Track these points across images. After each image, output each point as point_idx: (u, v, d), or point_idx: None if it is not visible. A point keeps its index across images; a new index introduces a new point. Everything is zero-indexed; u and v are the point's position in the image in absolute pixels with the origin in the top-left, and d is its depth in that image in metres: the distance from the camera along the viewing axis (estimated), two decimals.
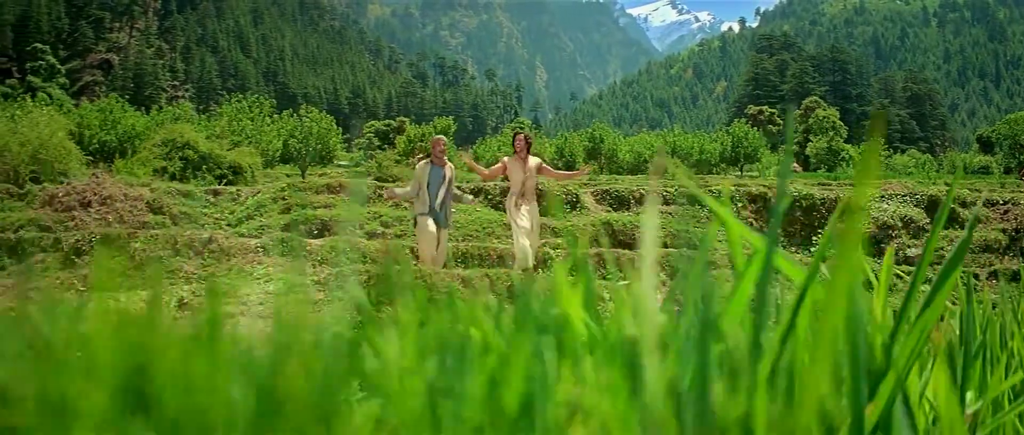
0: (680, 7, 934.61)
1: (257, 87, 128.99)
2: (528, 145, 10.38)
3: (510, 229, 10.47)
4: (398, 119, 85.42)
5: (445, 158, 10.62)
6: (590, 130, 57.42)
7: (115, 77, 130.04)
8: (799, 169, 60.93)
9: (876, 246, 14.25)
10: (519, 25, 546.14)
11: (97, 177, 14.80)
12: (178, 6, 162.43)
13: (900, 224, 15.26)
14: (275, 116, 43.70)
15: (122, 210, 13.77)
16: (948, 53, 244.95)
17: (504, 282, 8.44)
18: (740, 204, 15.36)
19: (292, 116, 43.36)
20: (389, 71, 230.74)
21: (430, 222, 10.19)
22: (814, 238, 15.03)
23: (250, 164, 27.68)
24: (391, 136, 76.98)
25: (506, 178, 10.59)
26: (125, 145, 33.76)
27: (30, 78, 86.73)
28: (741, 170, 54.66)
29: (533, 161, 10.38)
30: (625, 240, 13.49)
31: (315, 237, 12.45)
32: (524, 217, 10.03)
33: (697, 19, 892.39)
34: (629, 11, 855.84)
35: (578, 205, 14.90)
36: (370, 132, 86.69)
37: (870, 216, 15.04)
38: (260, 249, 9.46)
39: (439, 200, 10.29)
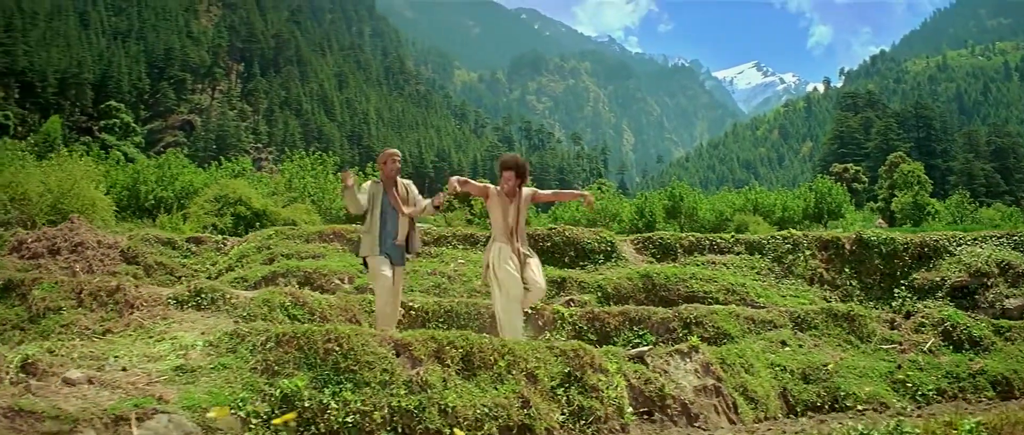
0: (765, 69, 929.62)
1: (341, 150, 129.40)
2: (521, 178, 8.32)
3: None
4: (478, 178, 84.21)
5: (397, 174, 8.61)
6: (669, 188, 55.88)
7: (197, 138, 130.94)
8: (884, 225, 58.12)
9: (969, 297, 11.86)
10: (606, 89, 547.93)
11: (72, 222, 13.14)
12: (261, 69, 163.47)
13: (997, 270, 12.75)
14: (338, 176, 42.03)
15: (92, 258, 12.44)
16: None
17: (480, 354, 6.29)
18: (809, 251, 12.94)
19: (359, 174, 41.88)
20: (475, 135, 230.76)
21: (384, 265, 8.23)
22: (896, 290, 12.56)
23: (305, 221, 27.14)
24: (470, 198, 75.96)
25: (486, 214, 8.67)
26: (183, 201, 33.03)
27: (104, 136, 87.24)
28: (825, 226, 52.29)
29: (527, 192, 8.45)
30: (667, 296, 11.24)
31: (301, 286, 10.57)
32: (510, 264, 8.03)
33: (782, 81, 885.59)
34: (715, 74, 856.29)
35: (614, 255, 12.67)
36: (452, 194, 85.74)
37: (960, 262, 12.57)
38: (172, 301, 7.50)
39: (395, 234, 8.37)
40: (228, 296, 7.84)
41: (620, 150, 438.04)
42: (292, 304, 8.19)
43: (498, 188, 8.30)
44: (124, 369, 5.52)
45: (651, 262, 12.79)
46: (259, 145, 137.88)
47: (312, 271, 11.24)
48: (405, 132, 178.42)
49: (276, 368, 5.54)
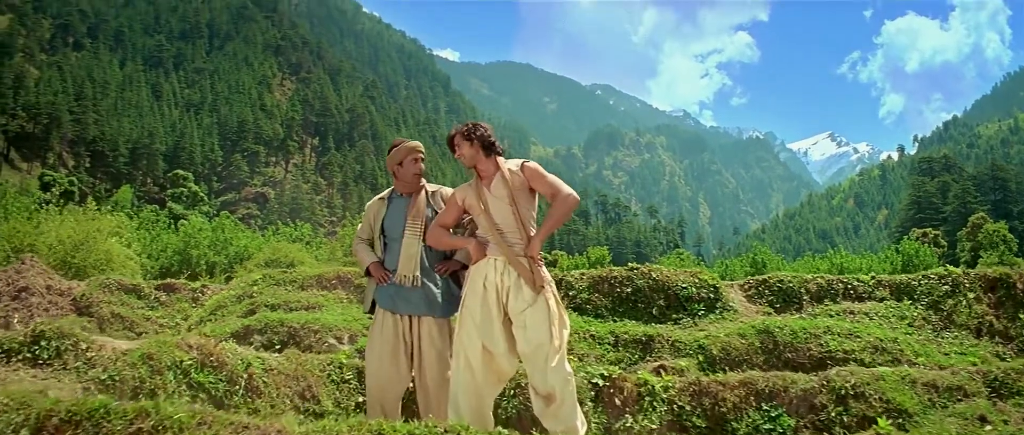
0: (839, 140, 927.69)
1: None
2: (486, 146, 5.17)
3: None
4: (554, 253, 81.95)
5: (421, 180, 5.68)
6: (751, 255, 53.75)
7: (271, 211, 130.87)
8: None
9: None
10: (681, 163, 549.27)
11: (23, 264, 10.54)
12: (336, 143, 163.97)
13: None
14: None
15: (36, 306, 9.97)
16: None
17: None
18: (972, 294, 9.62)
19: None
20: None
21: (385, 320, 5.43)
22: None
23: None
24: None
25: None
26: (235, 266, 31.20)
27: (171, 204, 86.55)
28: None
29: (511, 167, 5.21)
30: (794, 358, 7.98)
31: (283, 345, 7.64)
32: (487, 297, 5.06)
33: (856, 150, 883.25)
34: (789, 146, 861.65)
35: (719, 304, 9.42)
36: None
37: None
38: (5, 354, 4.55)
39: (411, 265, 5.39)
40: (86, 346, 4.85)
41: (696, 223, 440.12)
42: (198, 363, 5.13)
43: (464, 185, 5.37)
44: None
45: (768, 313, 9.51)
46: (333, 218, 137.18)
47: (299, 326, 8.20)
48: None
49: None
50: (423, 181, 5.69)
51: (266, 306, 9.52)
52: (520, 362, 5.09)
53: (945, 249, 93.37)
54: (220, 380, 5.14)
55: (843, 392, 6.31)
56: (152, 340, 5.19)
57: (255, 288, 10.36)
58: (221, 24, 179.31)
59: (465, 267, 5.43)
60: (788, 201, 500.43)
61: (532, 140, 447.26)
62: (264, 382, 5.37)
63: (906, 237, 70.26)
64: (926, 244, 70.34)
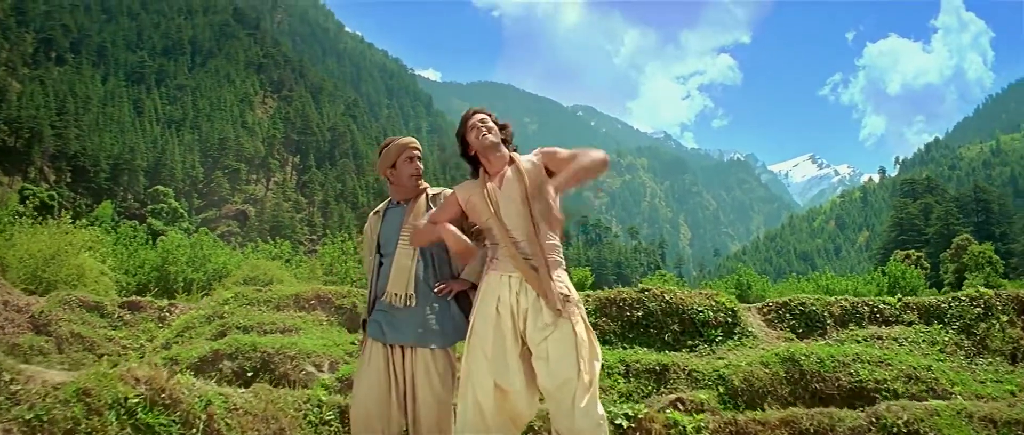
0: (820, 162, 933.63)
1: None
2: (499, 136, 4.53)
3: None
4: None
5: (420, 183, 4.87)
6: (735, 276, 53.16)
7: (251, 228, 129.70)
8: None
9: None
10: (662, 185, 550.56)
11: None
12: (317, 161, 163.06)
13: None
14: None
15: None
16: None
17: None
18: (1005, 317, 8.95)
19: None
20: None
21: (373, 349, 4.55)
22: None
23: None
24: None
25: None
26: (213, 283, 29.57)
27: (151, 220, 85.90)
28: None
29: (526, 164, 4.40)
30: (822, 388, 7.21)
31: (255, 373, 6.83)
32: (500, 323, 4.19)
33: (837, 172, 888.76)
34: (770, 167, 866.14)
35: (738, 329, 8.63)
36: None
37: None
38: None
39: (402, 281, 4.51)
40: (10, 378, 4.01)
41: (677, 244, 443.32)
42: (146, 401, 4.27)
43: (466, 182, 4.59)
44: None
45: (790, 338, 8.75)
46: (313, 237, 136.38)
47: (274, 351, 7.31)
48: None
49: None
50: (423, 184, 4.85)
51: (238, 328, 8.67)
52: (541, 402, 4.21)
53: (928, 271, 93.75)
54: (173, 421, 4.28)
55: (896, 430, 5.57)
56: (90, 372, 4.30)
57: (226, 308, 9.48)
58: (203, 41, 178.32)
59: (474, 287, 4.49)
60: (769, 223, 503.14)
61: None
62: (227, 424, 4.52)
63: (893, 259, 69.95)
64: (911, 266, 70.27)
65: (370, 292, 4.73)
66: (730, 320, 8.69)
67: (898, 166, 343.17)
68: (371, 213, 4.96)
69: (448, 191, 4.73)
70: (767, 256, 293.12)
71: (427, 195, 4.78)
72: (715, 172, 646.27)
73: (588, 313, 8.75)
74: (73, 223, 23.49)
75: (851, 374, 7.43)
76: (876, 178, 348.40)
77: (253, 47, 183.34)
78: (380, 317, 4.52)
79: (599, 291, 9.30)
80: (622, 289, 9.17)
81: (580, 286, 62.83)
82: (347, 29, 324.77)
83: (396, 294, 4.47)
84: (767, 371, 7.29)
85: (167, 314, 10.36)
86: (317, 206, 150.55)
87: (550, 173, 4.30)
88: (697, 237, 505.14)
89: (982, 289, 9.54)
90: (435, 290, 4.53)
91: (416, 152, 4.87)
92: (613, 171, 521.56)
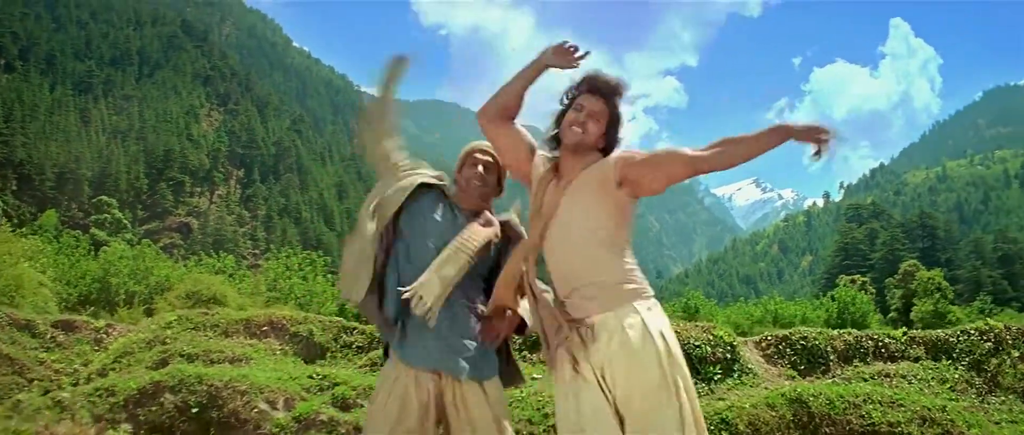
0: (764, 185, 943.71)
1: (339, 259, 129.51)
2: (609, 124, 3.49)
3: None
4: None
5: (486, 199, 4.03)
6: (684, 300, 52.88)
7: (193, 241, 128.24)
8: None
9: None
10: None
11: None
12: (261, 176, 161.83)
13: None
14: (331, 276, 38.55)
15: None
16: None
17: None
18: (1016, 351, 8.37)
19: None
20: None
21: (406, 380, 3.50)
22: None
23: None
24: None
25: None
26: (155, 296, 29.94)
27: (94, 230, 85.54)
28: None
29: (615, 161, 3.43)
30: (833, 432, 6.54)
31: (184, 412, 6.00)
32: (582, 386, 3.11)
33: (780, 196, 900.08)
34: (714, 191, 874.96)
35: (735, 365, 7.89)
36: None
37: None
38: None
39: (435, 290, 3.47)
40: None
41: None
42: None
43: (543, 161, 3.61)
44: None
45: (792, 376, 8.04)
46: (256, 251, 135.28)
47: (222, 384, 6.40)
48: None
49: None
50: (488, 205, 4.09)
51: (181, 355, 7.79)
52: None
53: (874, 296, 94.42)
54: None
55: None
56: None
57: (169, 332, 8.58)
58: (151, 52, 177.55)
59: (521, 328, 3.70)
60: (711, 246, 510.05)
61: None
62: None
63: (843, 284, 70.19)
64: (858, 291, 70.52)
65: (372, 270, 3.69)
66: (729, 356, 7.96)
67: (843, 191, 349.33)
68: (412, 174, 3.97)
69: (515, 223, 4.01)
70: (709, 279, 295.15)
71: (493, 221, 3.95)
72: (658, 194, 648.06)
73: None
74: (13, 232, 22.91)
75: (863, 416, 6.76)
76: (820, 202, 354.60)
77: (200, 59, 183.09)
78: (433, 342, 3.54)
79: None
80: None
81: None
82: (295, 44, 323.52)
83: (422, 299, 3.45)
84: (774, 414, 6.58)
85: (104, 336, 9.39)
86: (260, 220, 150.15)
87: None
88: (640, 259, 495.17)
89: (991, 322, 8.95)
90: (481, 333, 3.66)
91: (481, 156, 4.02)
92: None
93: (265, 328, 8.92)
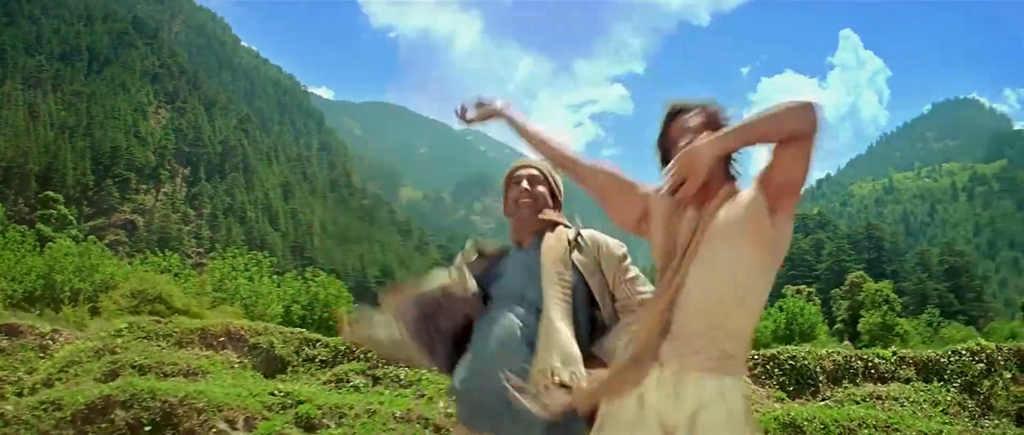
0: None
1: (284, 259, 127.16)
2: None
3: None
4: None
5: (541, 213, 3.45)
6: None
7: (138, 238, 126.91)
8: (850, 346, 55.64)
9: None
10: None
11: None
12: (207, 174, 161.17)
13: None
14: (276, 277, 40.33)
15: None
16: (978, 226, 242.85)
17: None
18: (1009, 373, 8.04)
19: (297, 278, 39.14)
20: (419, 252, 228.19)
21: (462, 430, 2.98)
22: None
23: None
24: None
25: None
26: (100, 294, 30.18)
27: (40, 226, 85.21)
28: None
29: (740, 202, 2.61)
30: None
31: (136, 431, 5.52)
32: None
33: None
34: None
35: None
36: None
37: None
38: None
39: (555, 353, 2.84)
40: None
41: None
42: None
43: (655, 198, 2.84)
44: None
45: (781, 397, 7.67)
46: (201, 250, 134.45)
47: (177, 400, 5.90)
48: (349, 245, 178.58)
49: None
50: (550, 215, 3.50)
51: (133, 367, 7.27)
52: None
53: (820, 306, 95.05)
54: None
55: None
56: None
57: (119, 341, 8.02)
58: (101, 48, 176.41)
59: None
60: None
61: (402, 183, 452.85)
62: None
63: (791, 295, 70.14)
64: (808, 301, 70.88)
65: (478, 354, 3.15)
66: None
67: None
68: (471, 248, 3.54)
69: (602, 236, 3.44)
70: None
71: (562, 235, 3.41)
72: (596, 204, 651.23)
73: None
74: None
75: None
76: None
77: (150, 57, 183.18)
78: (474, 385, 3.03)
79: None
80: None
81: None
82: (243, 43, 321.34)
83: (504, 369, 2.90)
84: None
85: (50, 342, 8.78)
86: (205, 219, 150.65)
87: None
88: None
89: (982, 342, 8.69)
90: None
91: (523, 171, 3.53)
92: (501, 197, 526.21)
93: (222, 338, 8.36)
